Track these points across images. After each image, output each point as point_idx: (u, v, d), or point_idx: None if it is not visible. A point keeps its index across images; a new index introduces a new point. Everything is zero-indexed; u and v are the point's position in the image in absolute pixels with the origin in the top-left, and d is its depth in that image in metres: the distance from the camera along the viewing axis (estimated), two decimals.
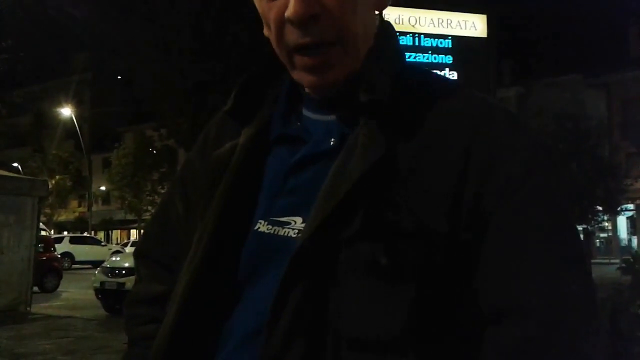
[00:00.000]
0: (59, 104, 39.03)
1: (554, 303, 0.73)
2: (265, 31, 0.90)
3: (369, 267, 0.76)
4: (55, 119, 40.58)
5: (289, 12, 0.81)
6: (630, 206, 27.95)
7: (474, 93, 0.87)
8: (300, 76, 0.87)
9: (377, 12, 0.92)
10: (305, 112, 0.92)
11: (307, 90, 0.91)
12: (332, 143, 0.85)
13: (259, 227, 0.87)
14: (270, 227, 0.86)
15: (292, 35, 0.83)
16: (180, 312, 0.87)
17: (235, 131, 0.95)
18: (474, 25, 6.67)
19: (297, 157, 0.87)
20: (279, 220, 0.85)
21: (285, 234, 0.84)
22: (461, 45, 6.57)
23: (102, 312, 11.37)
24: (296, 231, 0.83)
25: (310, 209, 0.79)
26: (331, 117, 0.89)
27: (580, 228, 18.89)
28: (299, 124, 0.91)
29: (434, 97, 0.85)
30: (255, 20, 0.95)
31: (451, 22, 6.61)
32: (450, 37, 6.55)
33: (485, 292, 0.77)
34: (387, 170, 0.79)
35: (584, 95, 25.66)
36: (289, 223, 0.84)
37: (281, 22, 0.83)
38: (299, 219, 0.84)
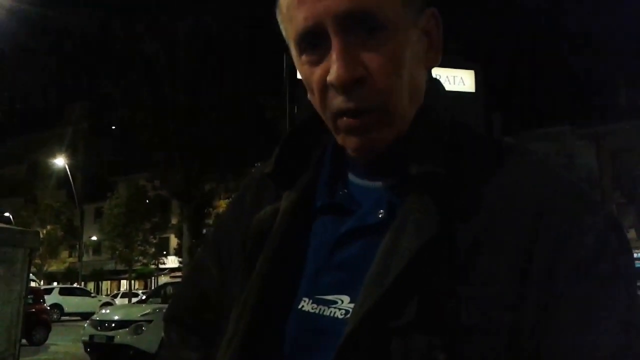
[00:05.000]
0: (53, 153, 39.14)
1: None
2: (309, 95, 0.84)
3: None
4: (49, 169, 40.62)
5: (331, 77, 0.75)
6: None
7: (536, 161, 0.79)
8: (345, 139, 0.80)
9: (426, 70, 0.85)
10: (351, 177, 0.86)
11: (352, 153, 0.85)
12: (380, 216, 0.79)
13: (302, 306, 0.80)
14: (315, 305, 0.79)
15: (336, 100, 0.77)
16: None
17: (275, 193, 0.89)
18: (462, 80, 6.82)
19: (343, 229, 0.81)
20: (325, 299, 0.79)
21: (332, 314, 0.77)
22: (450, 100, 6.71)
23: None
24: (343, 312, 0.76)
25: (358, 288, 0.73)
26: (379, 184, 0.82)
27: None
28: (345, 191, 0.85)
29: (493, 167, 0.77)
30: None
31: (440, 77, 6.76)
32: None
33: None
34: (443, 251, 0.72)
35: (574, 146, 25.96)
36: (336, 302, 0.78)
37: (324, 86, 0.77)
38: (346, 298, 0.77)
